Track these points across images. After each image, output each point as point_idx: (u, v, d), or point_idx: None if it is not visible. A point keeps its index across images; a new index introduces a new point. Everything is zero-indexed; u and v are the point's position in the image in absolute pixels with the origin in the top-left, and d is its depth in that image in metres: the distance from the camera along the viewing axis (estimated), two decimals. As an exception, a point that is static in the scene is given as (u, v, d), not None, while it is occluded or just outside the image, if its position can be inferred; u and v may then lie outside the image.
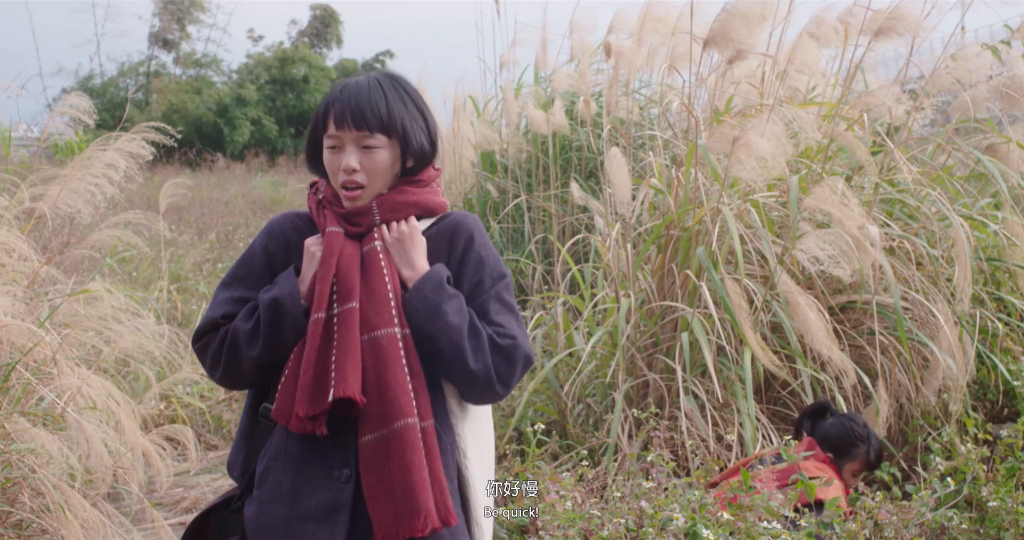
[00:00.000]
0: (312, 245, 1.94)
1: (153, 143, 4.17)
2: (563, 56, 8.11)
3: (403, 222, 1.95)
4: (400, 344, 1.85)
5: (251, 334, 1.88)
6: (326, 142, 1.92)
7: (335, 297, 1.87)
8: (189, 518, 4.26)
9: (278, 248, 1.99)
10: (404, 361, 1.84)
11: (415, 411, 1.81)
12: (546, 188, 7.21)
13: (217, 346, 1.92)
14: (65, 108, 4.29)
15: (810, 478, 2.92)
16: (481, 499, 1.96)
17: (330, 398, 1.79)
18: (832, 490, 3.01)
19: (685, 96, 4.71)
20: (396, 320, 1.86)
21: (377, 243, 1.92)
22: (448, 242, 1.97)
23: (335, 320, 1.86)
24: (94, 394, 3.32)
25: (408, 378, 1.83)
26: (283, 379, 1.87)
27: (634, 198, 4.51)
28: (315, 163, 1.99)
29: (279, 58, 28.94)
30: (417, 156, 1.96)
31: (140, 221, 4.96)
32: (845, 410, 3.76)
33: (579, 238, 5.90)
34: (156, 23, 30.67)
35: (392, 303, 1.87)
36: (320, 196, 2.00)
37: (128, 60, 31.07)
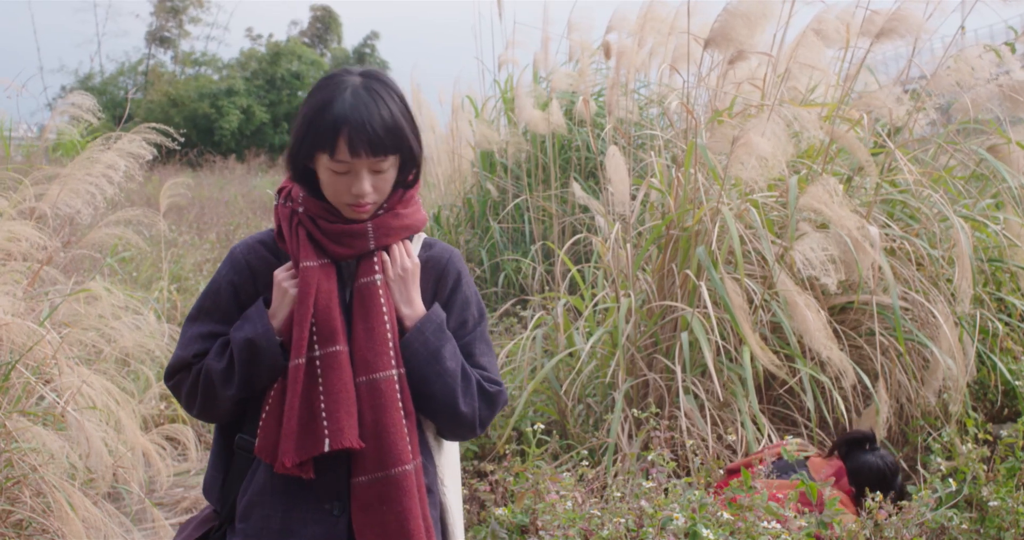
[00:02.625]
0: (284, 280, 1.85)
1: (154, 144, 4.17)
2: (561, 56, 8.11)
3: (405, 257, 1.88)
4: (397, 385, 1.82)
5: (225, 374, 1.82)
6: (331, 165, 1.77)
7: (315, 339, 1.80)
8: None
9: (244, 280, 1.90)
10: (400, 404, 1.82)
11: (411, 457, 1.81)
12: (546, 188, 7.21)
13: (191, 385, 1.86)
14: (67, 106, 4.28)
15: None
16: (459, 521, 1.98)
17: (325, 448, 1.76)
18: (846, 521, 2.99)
19: (685, 96, 4.71)
20: (394, 361, 1.82)
21: (378, 277, 1.85)
22: (436, 279, 1.93)
23: (317, 363, 1.80)
24: (94, 393, 3.33)
25: (404, 421, 1.81)
26: (264, 416, 1.82)
27: (634, 198, 4.51)
28: (303, 175, 1.84)
29: (271, 52, 28.96)
30: (418, 168, 1.88)
31: (140, 220, 4.96)
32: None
33: (579, 237, 5.90)
34: (154, 22, 30.70)
35: (391, 343, 1.83)
36: (298, 209, 1.86)
37: (127, 59, 31.09)
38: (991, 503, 3.03)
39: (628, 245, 4.24)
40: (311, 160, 1.80)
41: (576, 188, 5.04)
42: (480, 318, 1.96)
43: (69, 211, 3.96)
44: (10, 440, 3.15)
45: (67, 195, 3.90)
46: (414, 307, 1.87)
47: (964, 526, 3.00)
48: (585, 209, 6.65)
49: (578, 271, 4.98)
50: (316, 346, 1.81)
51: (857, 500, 3.21)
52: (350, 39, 33.75)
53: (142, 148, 4.12)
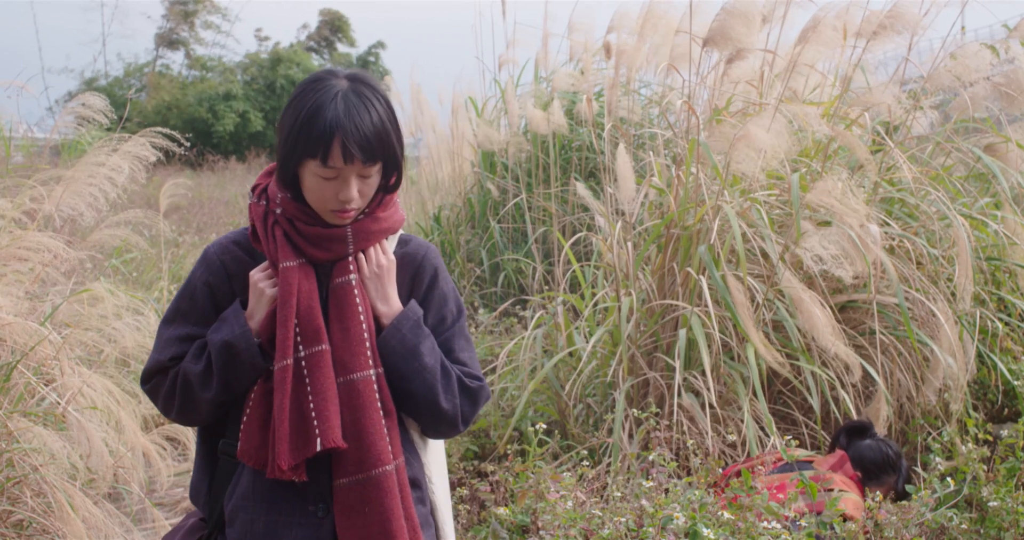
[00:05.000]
0: (260, 281, 1.83)
1: (156, 146, 4.17)
2: (562, 56, 8.12)
3: (380, 254, 1.87)
4: (375, 385, 1.81)
5: (203, 376, 1.81)
6: (320, 171, 1.75)
7: (299, 340, 1.79)
8: (190, 518, 4.26)
9: (219, 280, 1.87)
10: (379, 404, 1.81)
11: (391, 457, 1.80)
12: (546, 188, 7.22)
13: (168, 389, 1.84)
14: (76, 107, 4.28)
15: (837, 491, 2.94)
16: (448, 519, 1.98)
17: (317, 448, 1.75)
18: (849, 503, 3.01)
19: (686, 95, 4.72)
20: (371, 361, 1.81)
21: (352, 277, 1.83)
22: (412, 275, 1.92)
23: (303, 364, 1.79)
24: (95, 394, 3.33)
25: (383, 421, 1.81)
26: (244, 419, 1.81)
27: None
28: (290, 180, 1.81)
29: (272, 58, 28.96)
30: (399, 173, 1.86)
31: (141, 220, 4.97)
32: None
33: (579, 236, 5.91)
34: (164, 24, 30.65)
35: (367, 343, 1.82)
36: (276, 209, 1.83)
37: (134, 61, 31.04)
38: (991, 503, 3.04)
39: (629, 244, 4.24)
40: (300, 165, 1.77)
41: (579, 187, 5.04)
42: (459, 314, 1.95)
43: (72, 213, 3.96)
44: (11, 440, 3.15)
45: (70, 197, 3.91)
46: (390, 304, 1.86)
47: (964, 526, 3.01)
48: (585, 209, 6.66)
49: (579, 270, 4.98)
50: (300, 347, 1.79)
51: (864, 483, 3.24)
52: (361, 43, 33.63)
53: (147, 150, 4.13)
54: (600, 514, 2.87)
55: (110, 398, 3.39)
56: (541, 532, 2.93)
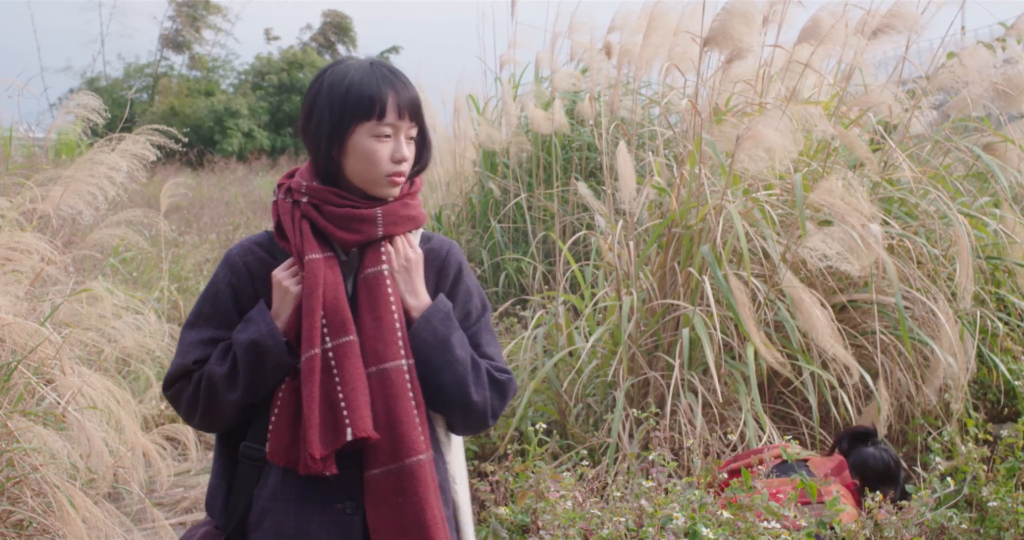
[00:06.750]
0: (284, 279, 1.83)
1: (157, 146, 4.17)
2: (563, 56, 8.12)
3: (408, 247, 1.88)
4: (407, 376, 1.81)
5: (229, 377, 1.80)
6: (375, 130, 1.79)
7: (326, 331, 1.79)
8: (189, 518, 4.27)
9: (242, 282, 1.87)
10: (411, 394, 1.80)
11: (424, 447, 1.79)
12: (547, 187, 7.22)
13: (192, 393, 1.83)
14: (73, 107, 4.28)
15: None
16: (469, 521, 1.97)
17: (348, 438, 1.74)
18: (845, 517, 2.99)
19: (688, 95, 4.72)
20: (403, 352, 1.81)
21: (384, 267, 1.84)
22: (438, 270, 1.93)
23: (331, 355, 1.78)
24: (95, 393, 3.33)
25: (416, 412, 1.80)
26: (273, 419, 1.80)
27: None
28: (335, 160, 1.82)
29: (287, 61, 28.93)
30: (428, 148, 1.91)
31: (141, 220, 4.97)
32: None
33: (579, 236, 5.91)
34: (169, 25, 30.59)
35: (399, 333, 1.82)
36: (302, 199, 1.84)
37: (135, 61, 30.97)
38: (991, 503, 3.03)
39: (630, 243, 4.24)
40: (350, 133, 1.80)
41: (581, 187, 5.05)
42: (483, 309, 1.96)
43: (71, 212, 3.96)
44: (11, 440, 3.15)
45: (69, 196, 3.91)
46: (419, 298, 1.86)
47: (964, 526, 3.00)
48: (586, 208, 6.66)
49: (579, 270, 4.98)
50: (327, 338, 1.79)
51: (860, 493, 3.22)
52: (364, 46, 33.49)
53: (146, 149, 4.13)
54: (600, 514, 2.87)
55: (110, 398, 3.39)
56: (541, 532, 2.93)
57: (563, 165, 7.34)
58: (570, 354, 4.39)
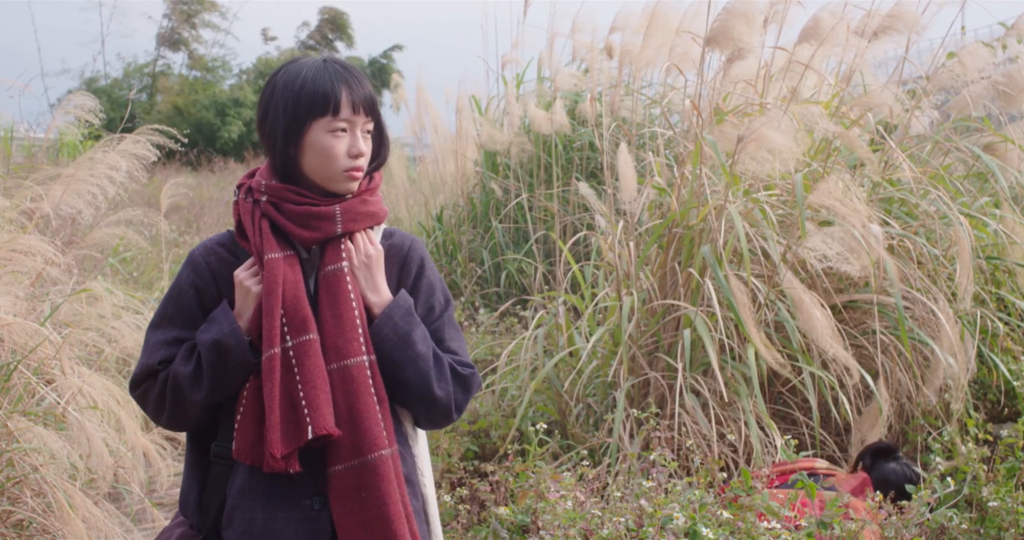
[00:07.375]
0: (245, 279, 1.85)
1: (157, 146, 4.17)
2: (565, 56, 8.12)
3: (368, 244, 1.89)
4: (368, 372, 1.82)
5: (193, 377, 1.81)
6: (330, 125, 1.81)
7: (286, 330, 1.80)
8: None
9: (205, 283, 1.89)
10: (373, 389, 1.82)
11: (387, 443, 1.80)
12: (548, 187, 7.22)
13: (158, 393, 1.85)
14: (70, 108, 4.29)
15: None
16: (437, 514, 1.99)
17: (309, 435, 1.75)
18: (867, 533, 2.98)
19: (690, 95, 4.71)
20: (364, 348, 1.82)
21: (344, 264, 1.85)
22: (400, 266, 1.94)
23: (291, 353, 1.79)
24: (95, 393, 3.33)
25: (378, 407, 1.81)
26: (238, 418, 1.81)
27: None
28: (292, 157, 1.84)
29: (286, 60, 28.92)
30: (386, 145, 1.93)
31: (141, 220, 4.97)
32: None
33: (580, 236, 5.90)
34: (165, 23, 30.56)
35: (360, 330, 1.83)
36: (261, 198, 1.87)
37: (134, 61, 30.96)
38: (991, 503, 3.03)
39: (631, 243, 4.24)
40: (305, 130, 1.81)
41: (582, 187, 5.05)
42: (446, 303, 1.97)
43: (71, 212, 3.96)
44: (11, 440, 3.15)
45: (69, 196, 3.91)
46: (380, 294, 1.87)
47: (964, 526, 3.00)
48: (586, 209, 6.66)
49: (579, 270, 4.98)
50: (288, 337, 1.80)
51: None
52: (363, 45, 33.48)
53: (146, 149, 4.13)
54: (600, 514, 2.87)
55: (110, 398, 3.39)
56: (541, 532, 2.93)
57: (564, 165, 7.34)
58: (571, 354, 4.39)
